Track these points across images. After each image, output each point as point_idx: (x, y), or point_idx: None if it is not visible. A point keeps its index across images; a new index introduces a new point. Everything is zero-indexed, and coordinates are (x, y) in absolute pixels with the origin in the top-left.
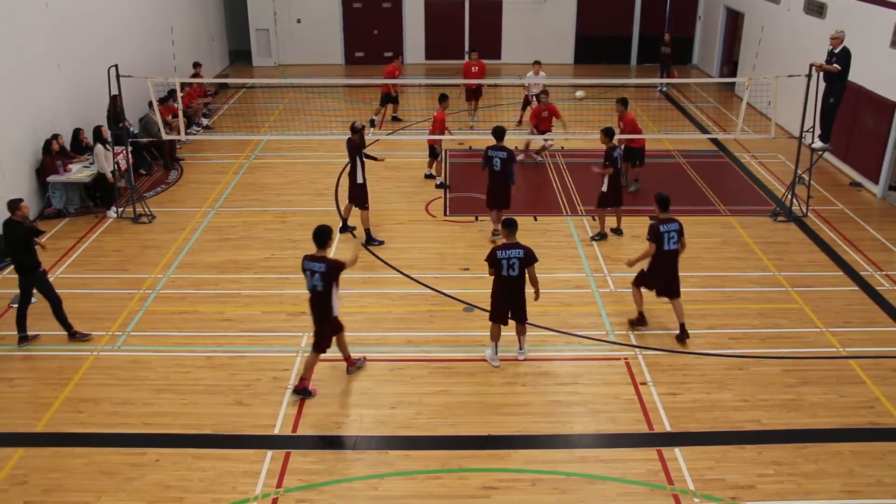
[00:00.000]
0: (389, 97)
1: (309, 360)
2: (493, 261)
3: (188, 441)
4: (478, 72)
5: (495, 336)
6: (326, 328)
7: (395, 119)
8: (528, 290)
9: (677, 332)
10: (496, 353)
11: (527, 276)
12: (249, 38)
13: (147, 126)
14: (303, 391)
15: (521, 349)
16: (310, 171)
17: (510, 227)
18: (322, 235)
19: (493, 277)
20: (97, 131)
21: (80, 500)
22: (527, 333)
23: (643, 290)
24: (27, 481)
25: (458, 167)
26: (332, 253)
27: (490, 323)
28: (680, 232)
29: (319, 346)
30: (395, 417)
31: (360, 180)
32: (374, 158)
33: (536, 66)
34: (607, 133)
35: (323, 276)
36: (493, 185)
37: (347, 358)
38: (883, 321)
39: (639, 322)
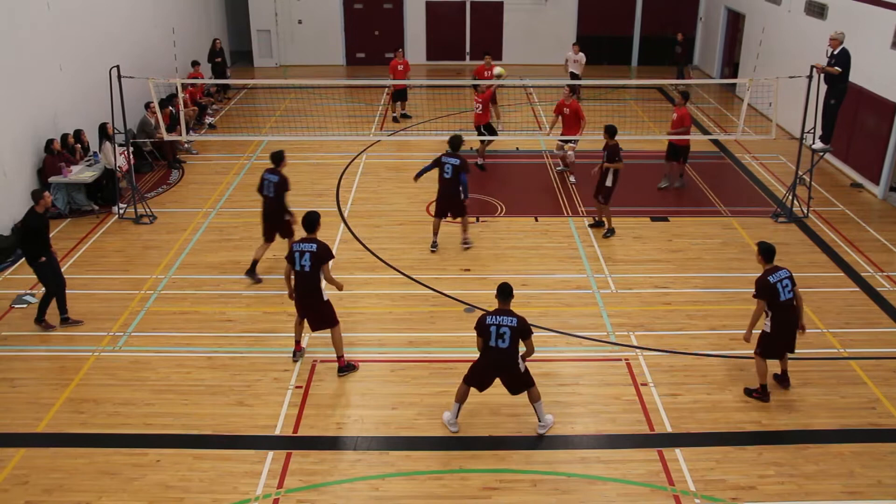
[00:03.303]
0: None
1: (334, 337)
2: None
3: (189, 441)
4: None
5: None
6: (318, 312)
7: (404, 116)
8: None
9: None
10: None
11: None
12: (251, 39)
13: (143, 127)
14: (346, 367)
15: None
16: (311, 172)
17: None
18: (310, 221)
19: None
20: (103, 128)
21: (81, 500)
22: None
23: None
24: (28, 481)
25: None
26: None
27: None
28: (792, 279)
29: (328, 322)
30: (396, 418)
31: (287, 217)
32: (289, 213)
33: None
34: (608, 131)
35: (312, 256)
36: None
37: (340, 356)
38: (883, 322)
39: (761, 395)
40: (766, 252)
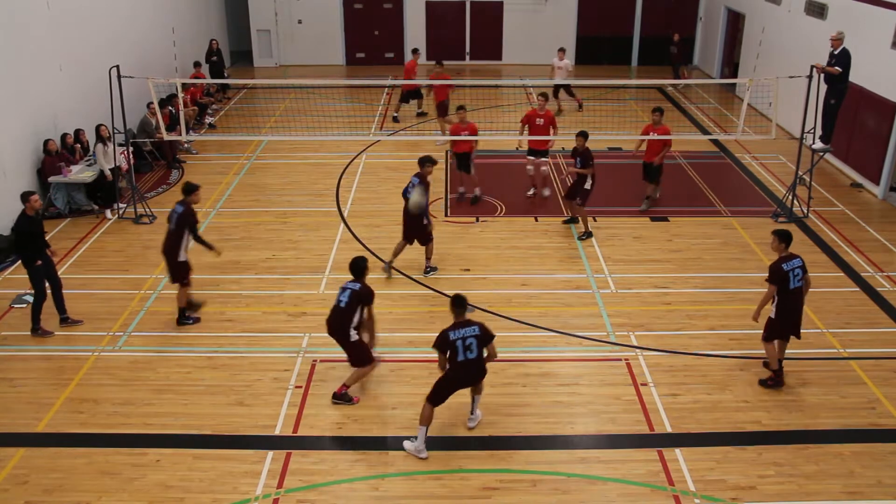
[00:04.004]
0: (414, 93)
1: (358, 371)
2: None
3: (189, 441)
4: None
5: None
6: (345, 349)
7: (421, 114)
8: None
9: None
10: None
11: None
12: (250, 39)
13: (143, 127)
14: (342, 396)
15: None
16: (311, 172)
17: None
18: (356, 268)
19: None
20: (97, 130)
21: (80, 500)
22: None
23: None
24: (28, 481)
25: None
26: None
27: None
28: (804, 268)
29: (368, 360)
30: (396, 418)
31: (181, 258)
32: (209, 247)
33: (560, 52)
34: (584, 136)
35: (353, 294)
36: None
37: (346, 385)
38: (883, 322)
39: (776, 381)
40: (785, 237)
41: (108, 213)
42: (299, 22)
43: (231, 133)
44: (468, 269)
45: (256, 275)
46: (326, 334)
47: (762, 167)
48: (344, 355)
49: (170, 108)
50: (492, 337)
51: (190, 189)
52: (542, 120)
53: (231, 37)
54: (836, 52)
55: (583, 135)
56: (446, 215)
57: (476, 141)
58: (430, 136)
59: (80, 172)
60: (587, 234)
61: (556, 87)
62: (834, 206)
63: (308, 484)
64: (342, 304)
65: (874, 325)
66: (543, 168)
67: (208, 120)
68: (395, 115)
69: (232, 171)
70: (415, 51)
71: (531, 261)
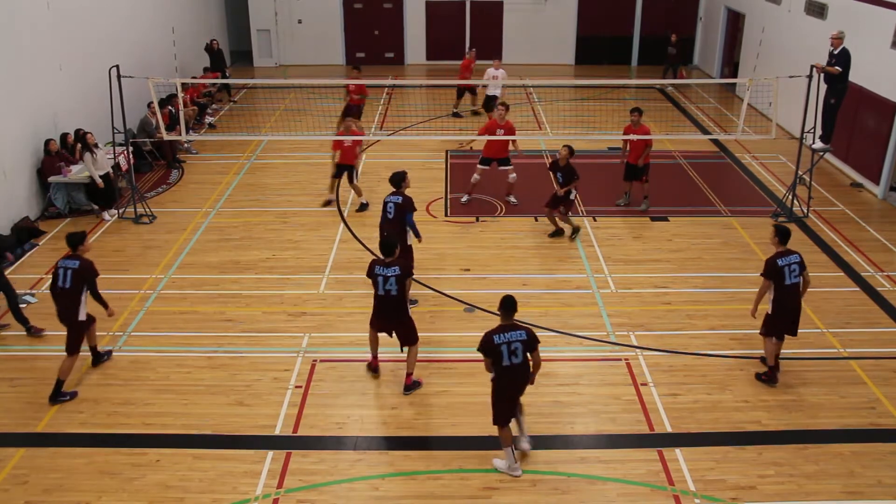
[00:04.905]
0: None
1: (412, 354)
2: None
3: (189, 441)
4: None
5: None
6: (405, 327)
7: (474, 112)
8: None
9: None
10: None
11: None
12: (250, 39)
13: (144, 126)
14: (412, 385)
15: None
16: (311, 172)
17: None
18: (388, 246)
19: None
20: (83, 138)
21: (80, 500)
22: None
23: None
24: (28, 481)
25: (458, 167)
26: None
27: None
28: (802, 264)
29: (412, 339)
30: (396, 418)
31: (82, 317)
32: (105, 305)
33: (496, 61)
34: (571, 151)
35: (398, 279)
36: None
37: (410, 373)
38: (883, 322)
39: (770, 378)
40: (782, 234)
41: (106, 216)
42: (299, 22)
43: (231, 133)
44: (468, 269)
45: (256, 275)
46: (327, 334)
47: (762, 167)
48: (343, 355)
49: (170, 107)
50: (537, 343)
51: (78, 239)
52: (502, 131)
53: (231, 37)
54: (835, 52)
55: (569, 149)
56: (446, 215)
57: (361, 152)
58: (429, 136)
59: (79, 172)
60: (576, 231)
61: (489, 100)
62: (834, 205)
63: (308, 484)
64: (394, 292)
65: (874, 325)
66: (512, 175)
67: (208, 120)
68: (455, 111)
69: (232, 170)
70: (470, 49)
71: (531, 261)
